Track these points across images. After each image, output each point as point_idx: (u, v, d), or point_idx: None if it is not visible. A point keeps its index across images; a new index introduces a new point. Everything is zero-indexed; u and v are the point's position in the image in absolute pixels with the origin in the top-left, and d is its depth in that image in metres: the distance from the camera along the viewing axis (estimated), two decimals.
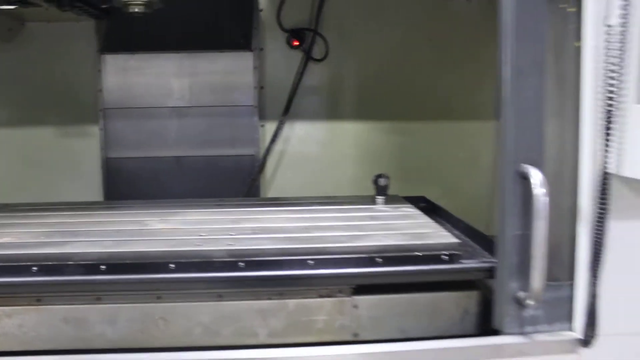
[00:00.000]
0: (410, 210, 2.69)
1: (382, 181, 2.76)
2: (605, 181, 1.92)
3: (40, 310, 2.07)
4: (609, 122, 1.87)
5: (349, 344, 2.06)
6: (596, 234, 1.95)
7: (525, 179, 1.93)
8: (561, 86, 1.97)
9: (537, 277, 1.92)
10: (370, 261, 2.10)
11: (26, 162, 3.61)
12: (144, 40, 3.43)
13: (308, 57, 3.57)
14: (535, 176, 1.91)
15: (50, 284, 2.04)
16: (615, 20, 1.84)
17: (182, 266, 2.07)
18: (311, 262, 2.08)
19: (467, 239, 2.46)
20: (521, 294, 1.99)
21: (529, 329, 2.03)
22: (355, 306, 2.12)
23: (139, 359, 2.02)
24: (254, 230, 2.34)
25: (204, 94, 3.48)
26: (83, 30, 3.46)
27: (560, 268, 2.04)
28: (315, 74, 3.61)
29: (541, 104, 1.95)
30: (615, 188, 1.96)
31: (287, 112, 3.60)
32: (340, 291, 2.12)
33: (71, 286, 2.06)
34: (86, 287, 2.07)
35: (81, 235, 2.30)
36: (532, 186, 1.90)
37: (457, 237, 2.36)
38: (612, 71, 1.85)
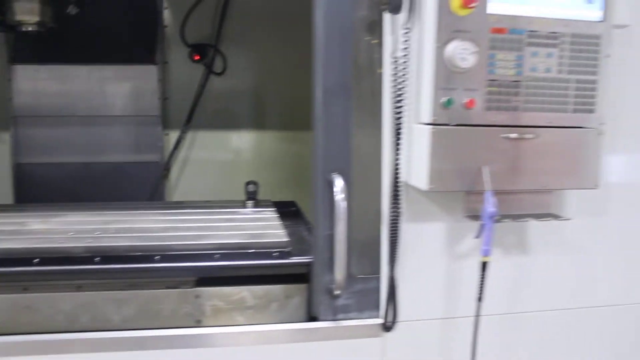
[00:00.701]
0: (268, 214, 2.97)
1: (250, 187, 3.08)
2: (397, 189, 2.23)
3: None
4: (398, 138, 2.20)
5: (191, 328, 2.35)
6: (391, 233, 2.26)
7: (331, 186, 2.25)
8: (369, 105, 2.27)
9: (339, 270, 2.23)
10: (209, 257, 2.40)
11: None
12: (53, 52, 3.62)
13: (209, 71, 3.85)
14: (338, 184, 2.21)
15: None
16: (399, 53, 2.17)
17: (46, 261, 2.32)
18: (157, 257, 2.37)
19: (311, 239, 2.73)
20: (332, 286, 2.30)
21: (341, 316, 2.34)
22: (198, 296, 2.39)
23: (8, 342, 2.26)
24: (118, 230, 2.61)
25: (111, 103, 3.71)
26: None
27: (371, 263, 2.35)
28: (215, 87, 3.87)
29: (347, 120, 2.24)
30: (408, 195, 2.29)
31: (190, 121, 3.87)
32: (184, 283, 2.40)
33: None
34: None
35: None
36: (334, 193, 2.21)
37: (300, 236, 2.67)
38: (398, 95, 2.18)
